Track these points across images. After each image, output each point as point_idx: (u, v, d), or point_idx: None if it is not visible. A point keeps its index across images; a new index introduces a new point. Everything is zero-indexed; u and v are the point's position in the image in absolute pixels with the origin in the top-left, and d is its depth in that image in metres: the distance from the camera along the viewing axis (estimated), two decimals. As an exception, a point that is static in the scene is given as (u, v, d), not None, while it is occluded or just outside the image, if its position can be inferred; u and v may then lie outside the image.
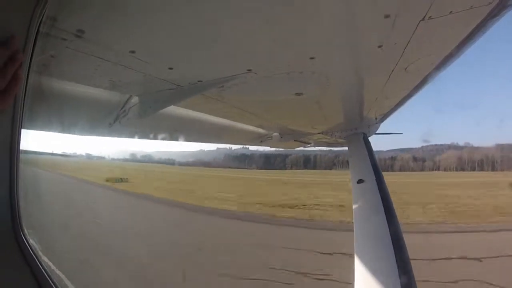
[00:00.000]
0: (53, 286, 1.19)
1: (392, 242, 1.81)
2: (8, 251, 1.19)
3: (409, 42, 1.31)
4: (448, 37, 1.38)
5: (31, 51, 1.04)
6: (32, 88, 1.16)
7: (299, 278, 10.41)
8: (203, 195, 27.81)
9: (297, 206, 23.53)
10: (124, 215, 20.30)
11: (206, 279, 10.17)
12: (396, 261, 1.66)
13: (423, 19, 1.12)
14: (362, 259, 1.87)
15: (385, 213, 2.08)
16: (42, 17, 1.02)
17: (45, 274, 1.21)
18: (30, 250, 1.22)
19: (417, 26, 1.17)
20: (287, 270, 10.86)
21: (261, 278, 10.15)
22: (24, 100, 1.09)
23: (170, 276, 10.21)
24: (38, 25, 1.02)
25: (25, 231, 1.23)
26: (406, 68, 1.66)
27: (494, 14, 1.12)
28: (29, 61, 1.05)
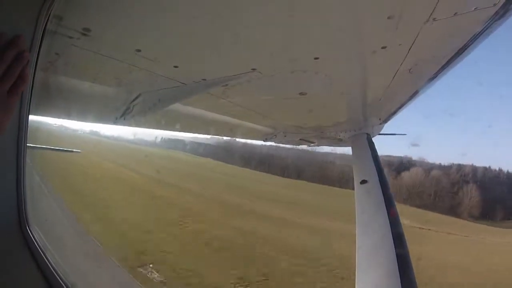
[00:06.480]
0: (60, 280, 1.20)
1: (394, 242, 1.82)
2: (15, 246, 1.21)
3: (413, 43, 1.30)
4: (453, 39, 1.37)
5: (37, 50, 1.05)
6: (38, 86, 1.17)
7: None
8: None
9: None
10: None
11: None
12: (397, 260, 1.67)
13: (427, 21, 1.11)
14: (364, 258, 1.88)
15: (388, 213, 2.08)
16: (49, 16, 1.03)
17: (51, 268, 1.22)
18: (36, 245, 1.24)
19: (422, 27, 1.16)
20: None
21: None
22: (30, 99, 1.11)
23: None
24: (44, 24, 1.03)
25: (32, 225, 1.25)
26: (410, 69, 1.65)
27: (499, 16, 1.11)
28: (35, 59, 1.06)
